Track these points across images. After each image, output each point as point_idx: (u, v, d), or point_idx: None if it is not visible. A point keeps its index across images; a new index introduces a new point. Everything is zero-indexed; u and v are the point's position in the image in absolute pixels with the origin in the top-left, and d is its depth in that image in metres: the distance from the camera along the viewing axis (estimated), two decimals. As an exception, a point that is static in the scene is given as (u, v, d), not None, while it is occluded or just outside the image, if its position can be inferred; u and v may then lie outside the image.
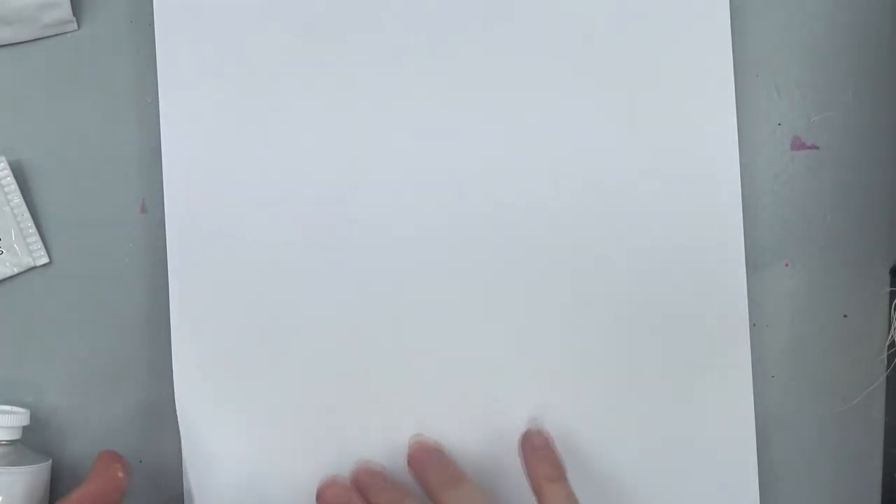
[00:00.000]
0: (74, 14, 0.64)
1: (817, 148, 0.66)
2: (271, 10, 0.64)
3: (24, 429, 0.62)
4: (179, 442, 0.65)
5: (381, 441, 0.64)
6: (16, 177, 0.64)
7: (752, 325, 0.65)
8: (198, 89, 0.64)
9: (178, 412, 0.64)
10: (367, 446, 0.64)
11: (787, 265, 0.66)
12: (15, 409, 0.63)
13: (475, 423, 0.64)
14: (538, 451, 0.61)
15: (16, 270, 0.65)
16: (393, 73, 0.64)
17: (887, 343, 0.65)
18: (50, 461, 0.62)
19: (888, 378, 0.65)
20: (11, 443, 0.61)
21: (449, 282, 0.64)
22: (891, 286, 0.65)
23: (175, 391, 0.64)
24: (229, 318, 0.64)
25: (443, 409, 0.64)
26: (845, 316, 0.66)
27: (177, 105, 0.64)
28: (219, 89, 0.64)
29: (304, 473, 0.64)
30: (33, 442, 0.64)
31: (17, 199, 0.64)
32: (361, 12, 0.64)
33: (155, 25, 0.64)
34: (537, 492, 0.59)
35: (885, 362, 0.65)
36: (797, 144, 0.66)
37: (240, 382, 0.64)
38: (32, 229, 0.64)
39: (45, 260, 0.65)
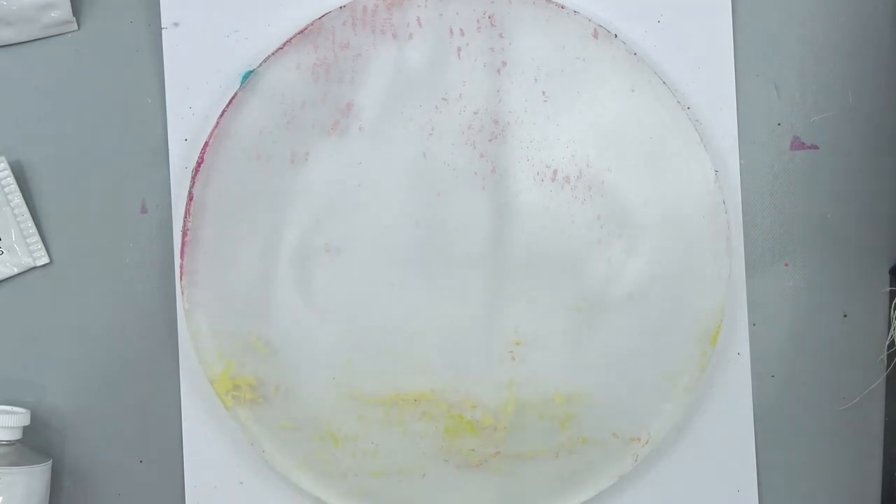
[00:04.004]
0: (74, 14, 0.64)
1: (817, 148, 0.66)
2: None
3: (25, 429, 0.62)
4: (180, 442, 0.65)
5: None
6: (16, 177, 0.64)
7: (752, 325, 0.65)
8: (204, 87, 0.64)
9: (182, 412, 0.64)
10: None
11: (786, 265, 0.66)
12: (15, 409, 0.63)
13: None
14: None
15: (16, 270, 0.65)
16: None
17: (887, 343, 0.65)
18: (50, 461, 0.62)
19: (888, 378, 0.65)
20: (12, 443, 0.61)
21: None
22: (891, 286, 0.65)
23: (181, 391, 0.64)
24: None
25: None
26: (845, 316, 0.66)
27: (183, 103, 0.64)
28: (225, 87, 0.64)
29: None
30: (34, 442, 0.64)
31: (17, 199, 0.64)
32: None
33: (162, 25, 0.64)
34: None
35: (885, 362, 0.65)
36: (797, 144, 0.66)
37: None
38: (32, 229, 0.64)
39: (45, 260, 0.65)
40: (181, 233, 0.63)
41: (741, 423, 0.65)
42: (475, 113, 0.64)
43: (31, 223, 0.64)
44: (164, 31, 0.64)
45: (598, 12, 0.65)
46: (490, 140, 0.64)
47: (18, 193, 0.64)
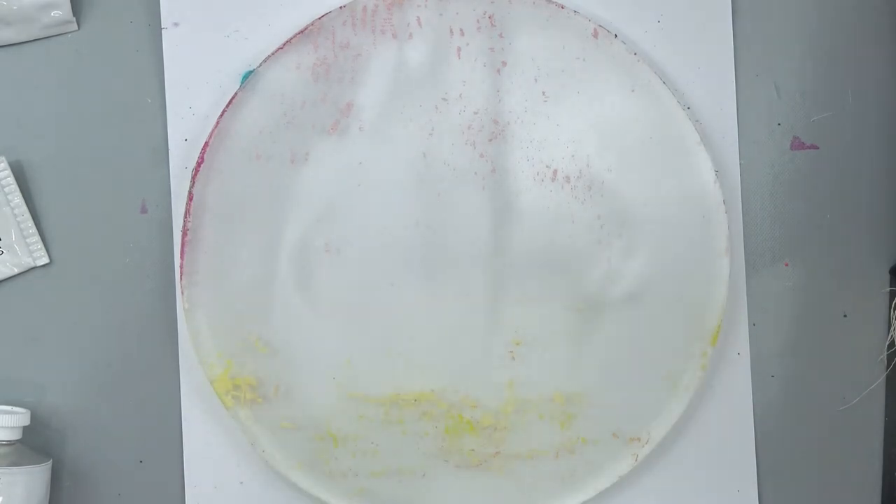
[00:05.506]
0: (74, 14, 0.64)
1: (817, 148, 0.66)
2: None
3: (25, 429, 0.62)
4: (180, 442, 0.65)
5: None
6: (16, 177, 0.64)
7: (752, 325, 0.65)
8: (204, 87, 0.64)
9: (182, 412, 0.64)
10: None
11: (787, 265, 0.66)
12: (15, 409, 0.63)
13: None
14: None
15: (16, 270, 0.65)
16: None
17: (887, 343, 0.65)
18: (50, 461, 0.62)
19: (888, 378, 0.65)
20: (12, 443, 0.61)
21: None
22: (891, 286, 0.65)
23: (181, 391, 0.65)
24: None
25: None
26: (845, 316, 0.66)
27: (183, 103, 0.64)
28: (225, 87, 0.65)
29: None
30: (34, 442, 0.64)
31: (17, 199, 0.64)
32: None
33: (162, 25, 0.64)
34: None
35: (885, 362, 0.65)
36: (797, 144, 0.66)
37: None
38: (32, 229, 0.64)
39: (45, 260, 0.65)
40: (181, 233, 0.63)
41: (741, 423, 0.65)
42: (475, 113, 0.64)
43: (31, 223, 0.64)
44: (164, 31, 0.65)
45: (598, 12, 0.65)
46: (490, 140, 0.64)
47: (18, 193, 0.64)
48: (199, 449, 0.65)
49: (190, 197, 0.63)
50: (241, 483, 0.65)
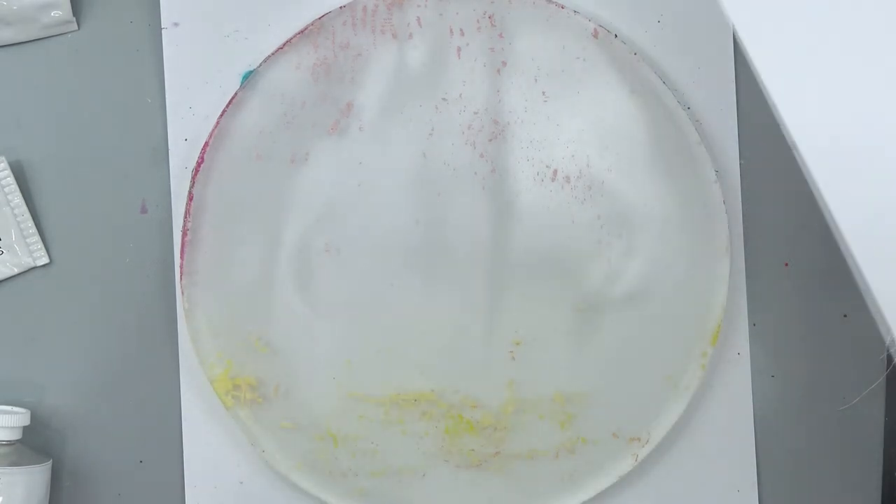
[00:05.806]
0: (74, 14, 0.64)
1: (817, 148, 0.66)
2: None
3: (25, 429, 0.62)
4: (180, 442, 0.65)
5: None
6: (16, 177, 0.64)
7: (752, 325, 0.65)
8: (204, 87, 0.64)
9: (182, 412, 0.64)
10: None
11: (786, 265, 0.66)
12: (15, 409, 0.63)
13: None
14: None
15: (16, 270, 0.65)
16: None
17: (887, 343, 0.65)
18: (50, 461, 0.62)
19: (888, 378, 0.65)
20: (12, 443, 0.61)
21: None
22: (891, 286, 0.65)
23: (181, 391, 0.65)
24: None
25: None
26: (845, 316, 0.66)
27: (183, 103, 0.64)
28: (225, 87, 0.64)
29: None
30: (34, 442, 0.64)
31: (17, 199, 0.64)
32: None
33: (162, 25, 0.64)
34: None
35: (885, 362, 0.65)
36: (797, 144, 0.66)
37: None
38: (32, 229, 0.64)
39: (45, 260, 0.65)
40: (181, 233, 0.63)
41: (741, 423, 0.65)
42: (475, 113, 0.64)
43: (31, 223, 0.64)
44: (164, 31, 0.64)
45: (598, 12, 0.65)
46: (490, 140, 0.64)
47: (18, 193, 0.64)
48: (199, 449, 0.65)
49: (190, 197, 0.63)
50: (241, 483, 0.65)
